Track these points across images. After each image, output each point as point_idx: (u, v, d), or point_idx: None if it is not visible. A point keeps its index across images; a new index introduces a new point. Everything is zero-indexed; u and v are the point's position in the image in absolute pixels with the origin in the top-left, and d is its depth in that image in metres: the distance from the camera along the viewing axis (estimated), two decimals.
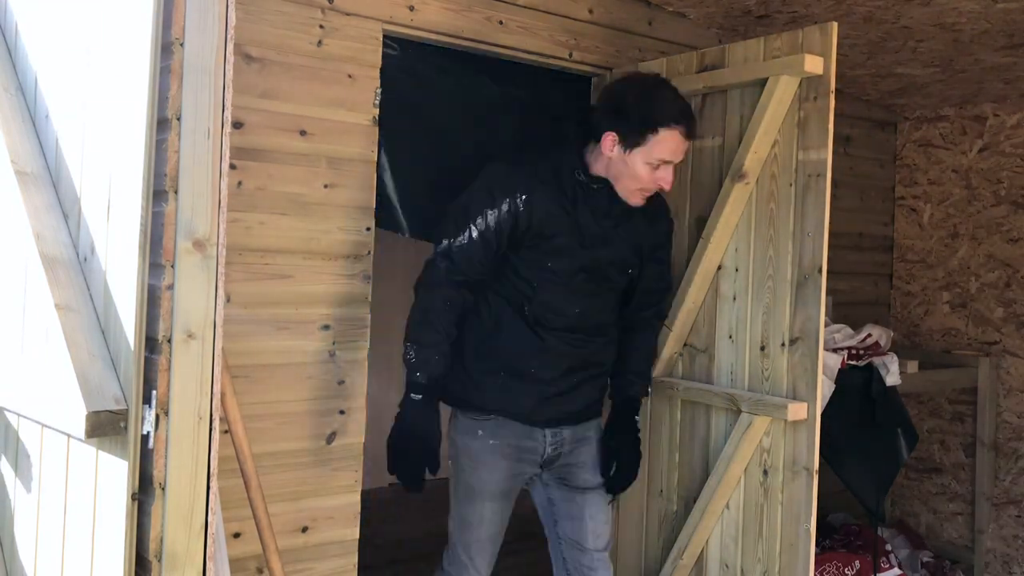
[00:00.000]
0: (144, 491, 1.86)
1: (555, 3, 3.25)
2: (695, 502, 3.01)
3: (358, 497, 2.89)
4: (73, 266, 2.12)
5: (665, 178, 2.62)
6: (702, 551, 3.01)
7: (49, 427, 2.08)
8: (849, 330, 3.75)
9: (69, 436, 2.01)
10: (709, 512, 2.96)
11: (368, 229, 2.85)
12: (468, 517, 2.80)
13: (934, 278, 4.61)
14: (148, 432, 1.85)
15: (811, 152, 2.78)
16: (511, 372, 2.70)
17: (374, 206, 2.87)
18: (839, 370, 3.51)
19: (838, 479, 3.55)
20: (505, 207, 2.59)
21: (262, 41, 2.65)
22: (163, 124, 1.87)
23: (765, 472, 2.84)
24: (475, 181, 2.68)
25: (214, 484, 1.90)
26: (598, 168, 2.68)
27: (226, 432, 2.31)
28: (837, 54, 2.75)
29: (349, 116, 2.81)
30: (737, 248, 2.98)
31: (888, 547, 4.01)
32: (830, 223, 2.76)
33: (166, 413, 1.84)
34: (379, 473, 5.70)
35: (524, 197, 2.59)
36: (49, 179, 2.28)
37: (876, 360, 3.70)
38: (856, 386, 3.61)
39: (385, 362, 5.40)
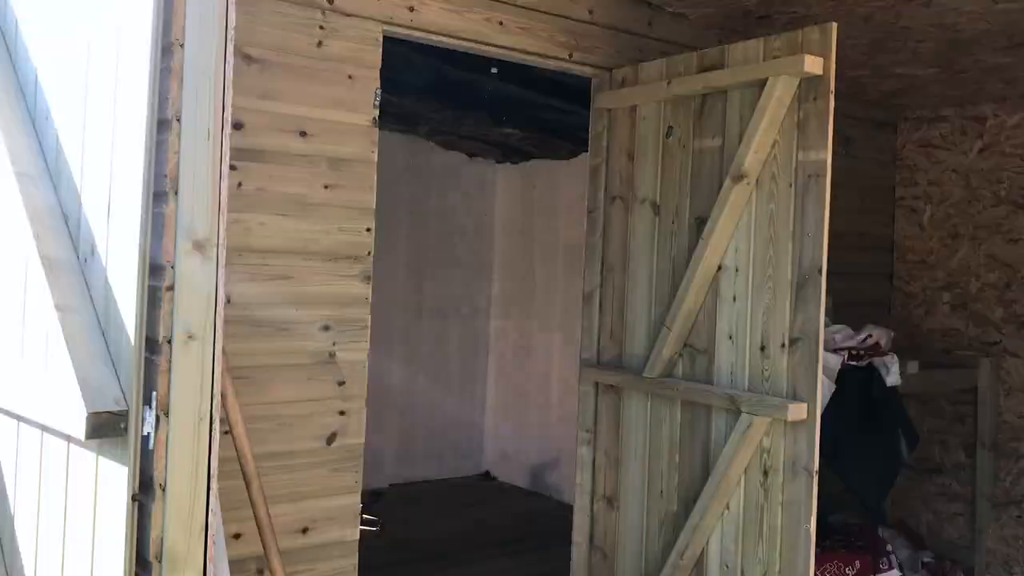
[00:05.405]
0: (145, 492, 1.86)
1: (555, 4, 3.25)
2: (695, 503, 3.01)
3: (358, 498, 2.89)
4: (73, 267, 2.11)
5: None
6: (702, 552, 3.01)
7: (50, 428, 2.08)
8: (849, 330, 3.75)
9: (69, 437, 2.01)
10: (709, 513, 2.96)
11: (368, 230, 2.85)
12: None
13: (934, 278, 4.61)
14: (148, 433, 1.85)
15: (811, 152, 2.78)
16: None
17: (374, 206, 2.87)
18: (839, 370, 3.51)
19: (838, 479, 3.55)
20: None
21: (262, 42, 2.65)
22: (163, 125, 1.87)
23: (765, 472, 2.84)
24: None
25: (214, 485, 1.90)
26: None
27: (227, 433, 2.31)
28: (837, 54, 2.75)
29: (349, 117, 2.81)
30: (737, 248, 2.98)
31: (888, 547, 4.01)
32: (830, 223, 2.76)
33: (166, 414, 1.84)
34: (381, 473, 5.69)
35: None
36: (49, 180, 2.28)
37: (876, 360, 3.70)
38: (856, 386, 3.61)
39: (384, 363, 5.41)
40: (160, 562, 1.84)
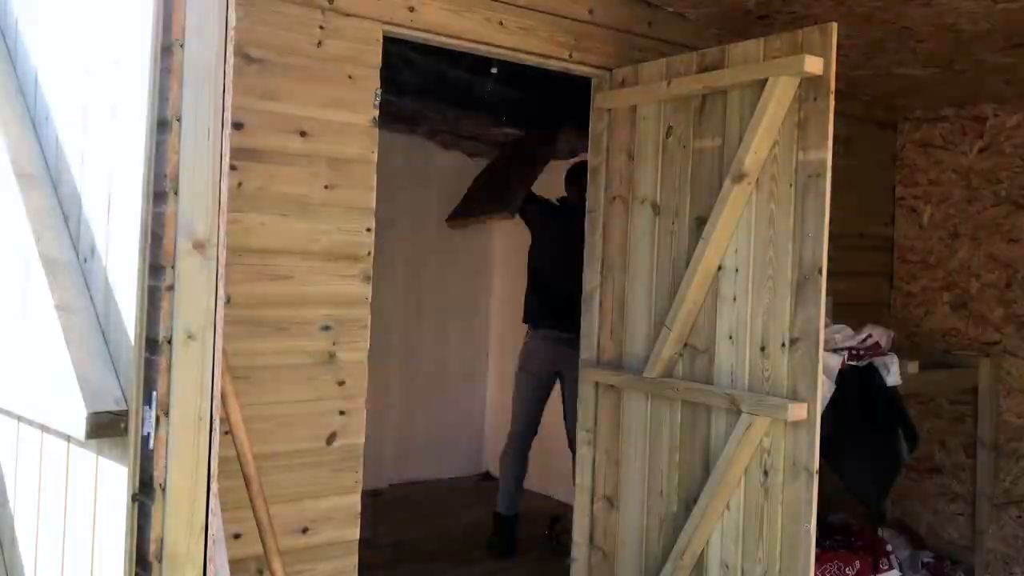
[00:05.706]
0: (145, 492, 1.86)
1: (555, 3, 3.25)
2: (695, 503, 3.01)
3: (358, 498, 2.89)
4: (73, 267, 2.12)
5: None
6: (702, 552, 3.01)
7: (50, 428, 2.08)
8: (849, 330, 3.75)
9: (69, 437, 2.01)
10: (709, 513, 2.96)
11: (368, 230, 2.85)
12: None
13: (934, 278, 4.61)
14: (148, 433, 1.85)
15: (811, 152, 2.78)
16: None
17: (374, 206, 2.87)
18: (839, 370, 3.50)
19: (838, 479, 3.54)
20: None
21: (262, 42, 2.65)
22: (163, 125, 1.87)
23: (765, 472, 2.84)
24: None
25: (214, 485, 1.90)
26: None
27: (227, 433, 2.31)
28: (837, 54, 2.75)
29: (349, 117, 2.81)
30: (737, 248, 2.98)
31: (888, 547, 4.00)
32: (830, 223, 2.76)
33: (166, 414, 1.84)
34: (379, 473, 5.68)
35: None
36: (49, 180, 2.28)
37: (876, 360, 3.70)
38: (856, 386, 3.60)
39: (383, 363, 5.41)
40: (160, 562, 1.84)
